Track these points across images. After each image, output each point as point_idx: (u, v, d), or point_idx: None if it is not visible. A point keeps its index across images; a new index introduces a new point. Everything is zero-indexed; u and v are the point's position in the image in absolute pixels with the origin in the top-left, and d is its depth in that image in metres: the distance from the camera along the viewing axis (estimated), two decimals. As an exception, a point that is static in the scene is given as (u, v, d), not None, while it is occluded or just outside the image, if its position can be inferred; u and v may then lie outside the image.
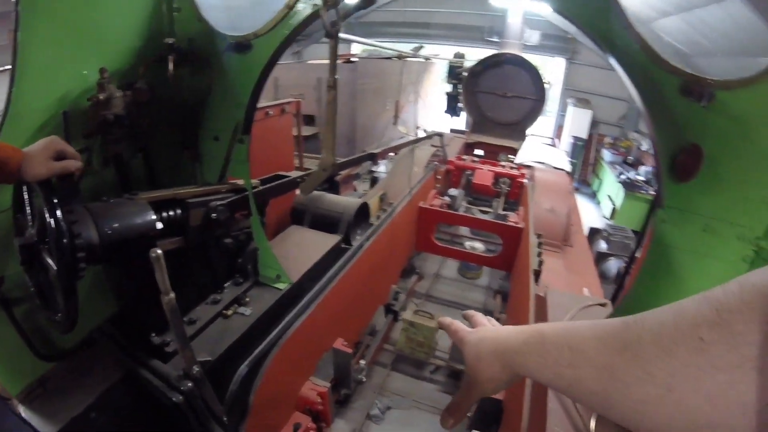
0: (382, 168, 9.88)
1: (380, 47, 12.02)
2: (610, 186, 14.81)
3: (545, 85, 8.53)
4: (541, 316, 2.54)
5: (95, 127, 2.01)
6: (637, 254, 2.20)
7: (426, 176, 5.87)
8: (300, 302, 2.74)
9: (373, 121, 11.23)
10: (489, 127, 9.01)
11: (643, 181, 13.43)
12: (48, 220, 1.48)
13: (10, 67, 1.71)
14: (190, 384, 1.88)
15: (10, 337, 1.92)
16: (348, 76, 9.88)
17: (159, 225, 1.90)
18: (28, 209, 1.66)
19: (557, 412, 1.79)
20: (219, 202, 2.30)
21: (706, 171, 1.71)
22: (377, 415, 3.68)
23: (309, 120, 9.38)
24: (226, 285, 2.63)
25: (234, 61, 2.38)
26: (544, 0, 1.83)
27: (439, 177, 6.50)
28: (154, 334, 2.10)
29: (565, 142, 17.02)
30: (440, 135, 7.09)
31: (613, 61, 1.79)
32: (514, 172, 6.53)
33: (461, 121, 10.50)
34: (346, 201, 4.10)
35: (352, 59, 10.79)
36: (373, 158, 4.81)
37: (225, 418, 2.01)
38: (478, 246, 6.04)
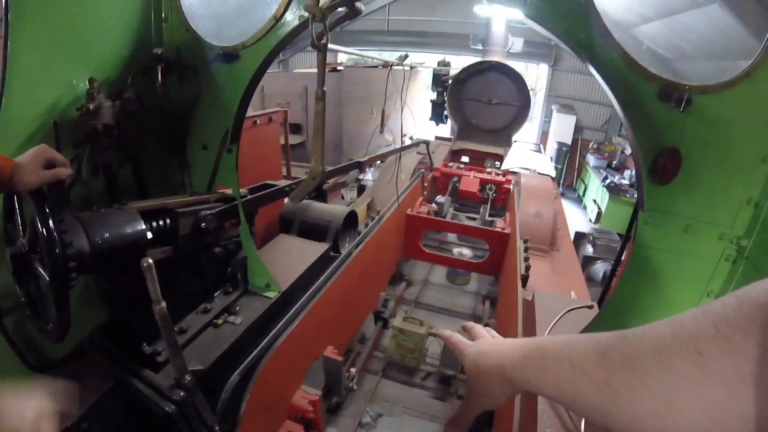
0: (369, 176, 9.90)
1: (366, 57, 12.08)
2: (595, 190, 14.99)
3: (529, 92, 8.63)
4: (529, 319, 2.57)
5: (84, 137, 2.01)
6: (623, 257, 2.24)
7: (413, 183, 5.90)
8: (290, 310, 2.74)
9: (360, 129, 11.27)
10: (474, 134, 9.09)
11: (627, 184, 13.62)
12: (39, 229, 1.48)
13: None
14: (181, 393, 1.87)
15: (0, 347, 1.91)
16: (334, 84, 9.92)
17: (149, 234, 1.90)
18: (18, 219, 1.66)
19: (548, 414, 1.82)
20: (208, 212, 2.30)
21: (686, 173, 1.76)
22: (369, 422, 3.68)
23: (296, 129, 9.40)
24: (216, 294, 2.62)
25: (222, 70, 2.39)
26: (518, 7, 1.86)
27: (426, 184, 6.54)
28: (145, 344, 2.10)
29: (550, 147, 17.19)
30: (426, 142, 7.14)
31: (591, 68, 1.83)
32: (500, 178, 6.59)
33: (447, 129, 10.57)
34: (334, 209, 4.11)
35: (339, 68, 10.84)
36: (360, 166, 4.84)
37: (217, 427, 2.01)
38: (466, 252, 6.07)
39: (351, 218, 4.13)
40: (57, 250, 1.48)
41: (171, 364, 1.87)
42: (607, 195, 13.44)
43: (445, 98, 9.09)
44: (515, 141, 9.11)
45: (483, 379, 0.93)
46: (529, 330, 2.48)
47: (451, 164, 7.26)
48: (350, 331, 4.09)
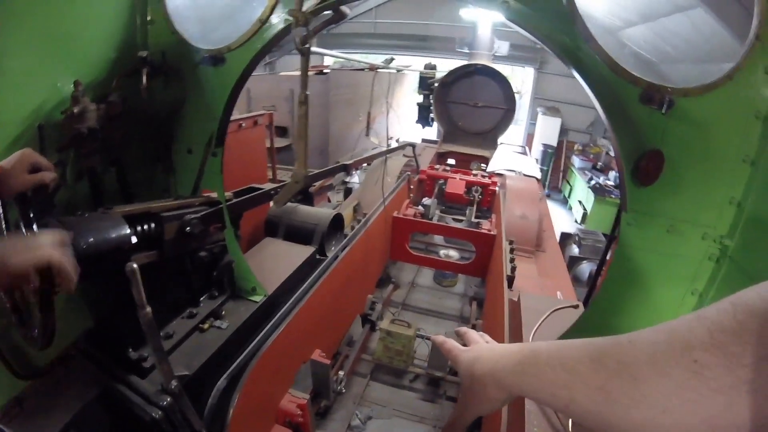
0: (355, 179, 9.89)
1: (352, 60, 12.09)
2: (581, 191, 15.12)
3: (515, 95, 8.69)
4: (515, 320, 2.58)
5: (69, 141, 1.99)
6: (607, 257, 2.26)
7: (399, 186, 5.92)
8: (276, 314, 2.73)
9: (346, 132, 11.26)
10: (461, 136, 9.14)
11: (612, 185, 13.76)
12: (24, 234, 1.47)
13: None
14: (168, 399, 1.85)
15: None
16: (320, 87, 9.90)
17: (134, 239, 1.89)
18: (2, 224, 1.64)
19: (535, 414, 1.83)
20: (193, 216, 2.29)
21: (668, 174, 1.79)
22: (358, 425, 3.67)
23: (282, 132, 9.36)
24: (201, 298, 2.61)
25: (207, 74, 2.38)
26: (499, 10, 1.87)
27: (412, 187, 6.55)
28: (131, 349, 2.08)
29: (536, 149, 17.32)
30: (412, 145, 7.15)
31: (574, 71, 1.85)
32: (486, 180, 6.62)
33: (433, 131, 10.61)
34: (319, 212, 4.11)
35: (325, 70, 10.83)
36: (346, 169, 4.83)
37: (204, 433, 2.00)
38: (453, 254, 6.09)
39: (337, 221, 4.13)
40: (41, 255, 1.46)
41: (157, 369, 1.86)
42: (592, 196, 13.57)
43: (432, 101, 9.14)
44: (501, 143, 9.16)
45: (478, 385, 0.93)
46: (516, 331, 2.50)
47: (437, 167, 7.29)
48: (338, 334, 4.09)
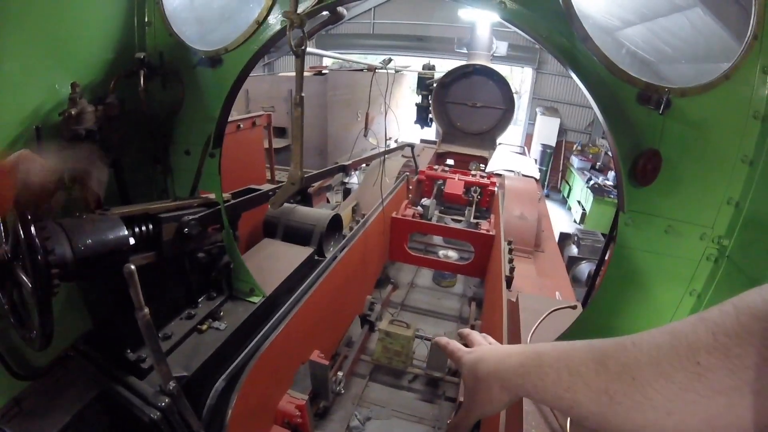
0: (354, 179, 9.89)
1: (349, 61, 12.08)
2: (580, 191, 15.11)
3: (514, 95, 8.69)
4: (514, 320, 2.58)
5: (66, 142, 1.99)
6: (606, 257, 2.26)
7: (398, 187, 5.92)
8: (275, 315, 2.73)
9: (345, 133, 11.26)
10: (459, 137, 9.14)
11: (611, 186, 13.74)
12: (21, 236, 1.47)
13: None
14: (167, 400, 1.86)
15: None
16: (319, 88, 9.91)
17: (132, 240, 1.89)
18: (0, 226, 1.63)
19: (533, 414, 1.83)
20: (191, 217, 2.29)
21: (666, 175, 1.78)
22: (357, 426, 3.67)
23: (280, 132, 9.36)
24: (200, 299, 2.61)
25: (205, 75, 2.38)
26: (495, 11, 1.87)
27: (411, 187, 6.55)
28: (129, 351, 2.08)
29: (535, 150, 17.31)
30: (411, 146, 7.15)
31: (571, 71, 1.85)
32: (485, 180, 6.63)
33: (432, 132, 10.60)
34: (318, 213, 4.11)
35: (323, 71, 10.82)
36: (345, 170, 4.83)
37: (203, 434, 2.00)
38: (452, 254, 6.09)
39: (335, 222, 4.13)
40: (39, 257, 1.47)
41: (155, 370, 1.86)
42: (591, 196, 13.57)
43: (430, 102, 9.13)
44: (500, 144, 9.16)
45: (481, 386, 0.93)
46: (514, 331, 2.49)
47: (436, 167, 7.29)
48: (336, 335, 4.09)
